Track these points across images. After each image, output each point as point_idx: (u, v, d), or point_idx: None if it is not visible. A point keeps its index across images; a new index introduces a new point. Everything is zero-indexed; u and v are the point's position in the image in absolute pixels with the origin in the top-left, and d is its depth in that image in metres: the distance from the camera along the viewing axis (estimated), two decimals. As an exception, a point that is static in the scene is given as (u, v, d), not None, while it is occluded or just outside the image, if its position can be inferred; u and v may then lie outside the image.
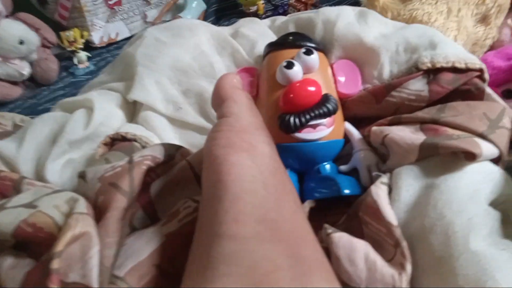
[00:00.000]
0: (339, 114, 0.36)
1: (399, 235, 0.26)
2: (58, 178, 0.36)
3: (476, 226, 0.24)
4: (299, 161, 0.34)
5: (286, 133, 0.32)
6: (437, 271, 0.24)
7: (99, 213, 0.27)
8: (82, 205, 0.25)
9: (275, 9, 0.71)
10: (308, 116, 0.31)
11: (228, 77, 0.28)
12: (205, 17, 0.72)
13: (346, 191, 0.31)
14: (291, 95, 0.31)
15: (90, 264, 0.23)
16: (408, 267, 0.24)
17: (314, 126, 0.32)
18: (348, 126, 0.36)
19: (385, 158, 0.33)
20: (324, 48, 0.38)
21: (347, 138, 0.36)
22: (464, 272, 0.22)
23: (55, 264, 0.23)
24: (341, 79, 0.37)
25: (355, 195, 0.32)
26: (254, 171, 0.21)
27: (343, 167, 0.35)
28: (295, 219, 0.21)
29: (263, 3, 0.69)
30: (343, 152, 0.36)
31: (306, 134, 0.32)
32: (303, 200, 0.34)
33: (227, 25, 0.51)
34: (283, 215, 0.20)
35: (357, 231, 0.30)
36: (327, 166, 0.34)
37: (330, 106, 0.32)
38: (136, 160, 0.28)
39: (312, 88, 0.32)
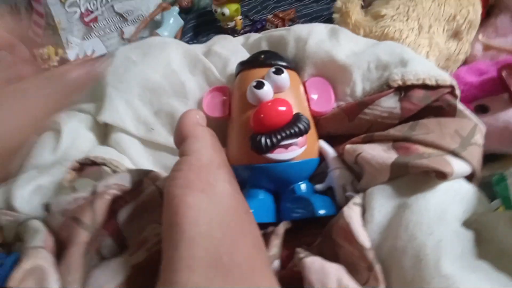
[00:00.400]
0: (312, 132, 0.35)
1: (372, 258, 0.25)
2: (27, 205, 0.35)
3: (447, 248, 0.24)
4: (273, 182, 0.34)
5: (258, 154, 0.32)
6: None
7: (63, 248, 0.26)
8: (40, 238, 0.24)
9: (253, 24, 0.71)
10: (279, 137, 0.31)
11: (191, 114, 0.27)
12: (182, 33, 0.72)
13: (321, 212, 0.31)
14: (262, 115, 0.31)
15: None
16: (382, 292, 0.24)
17: (286, 146, 0.32)
18: (323, 144, 0.35)
19: (360, 176, 0.33)
20: (295, 67, 0.37)
21: (322, 156, 0.36)
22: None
23: None
24: (314, 97, 0.36)
25: (330, 215, 0.31)
26: (210, 213, 0.21)
27: (318, 186, 0.35)
28: (250, 262, 0.21)
29: (240, 19, 0.68)
30: (319, 170, 0.36)
31: (278, 154, 0.32)
32: (280, 219, 0.33)
33: (205, 41, 0.50)
34: (237, 259, 0.20)
35: (332, 254, 0.29)
36: (302, 186, 0.34)
37: (301, 126, 0.31)
38: (99, 191, 0.27)
39: (282, 108, 0.31)
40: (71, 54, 0.70)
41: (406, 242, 0.25)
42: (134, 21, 0.74)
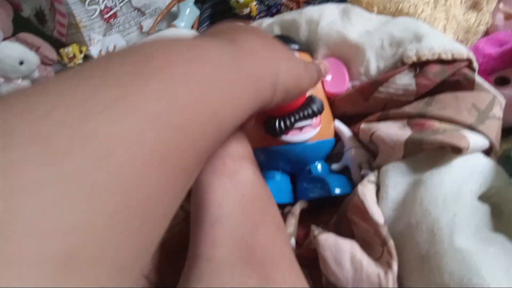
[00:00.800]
0: (327, 113, 0.35)
1: (385, 234, 0.25)
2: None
3: (461, 223, 0.24)
4: (290, 163, 0.34)
5: (273, 137, 0.32)
6: (423, 268, 0.23)
7: None
8: None
9: (268, 9, 0.70)
10: (293, 119, 0.31)
11: None
12: (199, 23, 0.73)
13: (337, 191, 0.31)
14: None
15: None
16: (395, 266, 0.24)
17: (300, 128, 0.32)
18: (338, 124, 0.35)
19: (375, 154, 0.33)
20: (308, 49, 0.37)
21: (338, 136, 0.36)
22: (450, 269, 0.22)
23: None
24: (328, 78, 0.36)
25: (346, 193, 0.31)
26: (234, 195, 0.23)
27: (334, 166, 0.35)
28: (271, 244, 0.22)
29: (255, 5, 0.68)
30: (335, 150, 0.36)
31: (293, 136, 0.32)
32: (296, 199, 0.34)
33: None
34: (258, 240, 0.22)
35: (347, 231, 0.29)
36: (319, 166, 0.34)
37: (314, 107, 0.31)
38: None
39: None
40: (94, 51, 0.72)
41: (420, 217, 0.25)
42: (151, 15, 0.75)
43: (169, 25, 0.71)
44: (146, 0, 0.74)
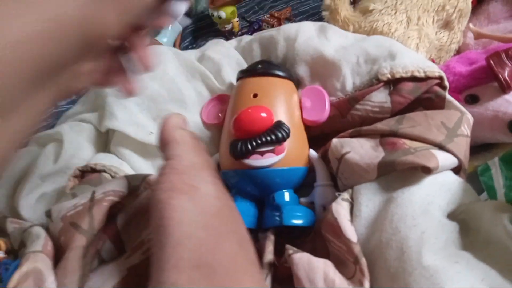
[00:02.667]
0: (299, 141, 0.35)
1: (358, 252, 0.26)
2: (32, 213, 0.37)
3: (429, 240, 0.24)
4: (255, 188, 0.34)
5: (235, 159, 0.32)
6: (393, 286, 0.24)
7: (62, 252, 0.27)
8: (39, 244, 0.26)
9: (250, 25, 0.71)
10: (254, 143, 0.31)
11: (172, 119, 0.28)
12: (182, 38, 0.73)
13: (293, 221, 0.31)
14: (240, 121, 0.32)
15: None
16: (366, 285, 0.25)
17: (262, 153, 0.32)
18: (313, 155, 0.35)
19: (333, 172, 0.33)
20: (290, 76, 0.38)
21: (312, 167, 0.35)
22: (418, 287, 0.22)
23: None
24: (307, 105, 0.36)
25: (303, 226, 0.31)
26: (194, 214, 0.22)
27: (302, 199, 0.35)
28: (233, 261, 0.22)
29: (237, 21, 0.69)
30: (308, 181, 0.36)
31: (253, 161, 0.32)
32: (263, 226, 0.33)
33: (204, 44, 0.52)
34: (220, 259, 0.21)
35: (323, 248, 0.30)
36: (286, 194, 0.34)
37: (278, 133, 0.31)
38: (97, 198, 0.29)
39: (263, 114, 0.32)
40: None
41: (390, 235, 0.26)
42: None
43: (151, 40, 0.71)
44: (128, 15, 0.74)
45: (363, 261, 0.25)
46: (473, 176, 0.33)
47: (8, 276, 0.28)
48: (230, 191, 0.36)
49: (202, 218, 0.22)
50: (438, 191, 0.27)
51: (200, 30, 0.74)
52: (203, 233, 0.21)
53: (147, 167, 0.40)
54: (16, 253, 0.34)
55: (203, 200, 0.23)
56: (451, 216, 0.27)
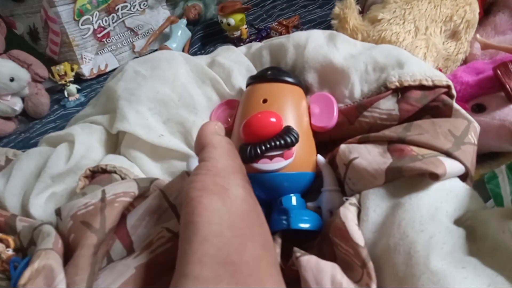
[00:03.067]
0: (308, 146, 0.35)
1: (365, 256, 0.26)
2: (42, 212, 0.37)
3: (437, 245, 0.24)
4: (263, 191, 0.34)
5: (244, 163, 0.33)
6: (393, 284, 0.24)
7: (71, 250, 0.27)
8: (49, 241, 0.26)
9: (258, 32, 0.72)
10: (263, 147, 0.32)
11: (210, 125, 0.29)
12: (190, 44, 0.74)
13: (300, 225, 0.31)
14: (250, 126, 0.32)
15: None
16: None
17: (270, 158, 0.32)
18: (321, 161, 0.35)
19: (341, 178, 0.34)
20: (300, 83, 0.38)
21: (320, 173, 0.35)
22: (423, 289, 0.23)
23: None
24: (315, 111, 0.37)
25: (310, 230, 0.31)
26: (223, 214, 0.23)
27: (309, 204, 0.35)
28: (257, 262, 0.23)
29: (246, 28, 0.70)
30: (315, 186, 0.36)
31: (261, 164, 0.32)
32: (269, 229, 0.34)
33: (213, 50, 0.52)
34: (245, 258, 0.22)
35: (330, 252, 0.30)
36: (293, 199, 0.34)
37: (288, 138, 0.32)
38: (108, 199, 0.29)
39: (272, 119, 0.32)
40: (85, 69, 0.73)
41: (398, 239, 0.26)
42: (144, 35, 0.77)
43: (161, 45, 0.72)
44: (139, 21, 0.75)
45: (370, 265, 0.26)
46: (479, 184, 0.33)
47: (17, 274, 0.29)
48: None
49: (229, 219, 0.23)
50: (445, 197, 0.28)
51: (208, 37, 0.76)
52: (229, 233, 0.22)
53: (156, 169, 0.40)
54: (25, 251, 0.34)
55: (232, 202, 0.24)
56: (458, 222, 0.27)
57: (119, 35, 0.75)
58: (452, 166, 0.29)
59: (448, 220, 0.27)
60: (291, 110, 0.35)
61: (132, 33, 0.76)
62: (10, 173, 0.41)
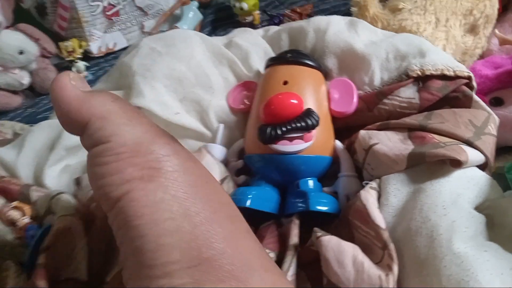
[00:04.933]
0: (327, 130, 0.35)
1: (386, 238, 0.26)
2: (56, 183, 0.37)
3: (459, 229, 0.25)
4: (280, 174, 0.34)
5: (263, 143, 0.33)
6: (422, 272, 0.24)
7: (91, 219, 0.28)
8: (70, 209, 0.26)
9: (271, 19, 0.72)
10: (284, 129, 0.32)
11: (66, 84, 0.19)
12: (201, 27, 0.74)
13: (317, 207, 0.31)
14: (270, 106, 0.32)
15: (78, 258, 0.24)
16: (395, 268, 0.25)
17: (290, 139, 0.32)
18: (339, 146, 0.36)
19: (359, 165, 0.34)
20: (320, 67, 0.38)
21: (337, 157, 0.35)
22: (448, 273, 0.23)
23: (41, 259, 0.24)
24: (335, 96, 0.37)
25: (328, 212, 0.31)
26: (168, 203, 0.17)
27: (325, 189, 0.35)
28: (234, 244, 0.18)
29: (258, 13, 0.70)
30: (331, 171, 0.36)
31: (281, 146, 0.32)
32: (284, 214, 0.34)
33: (223, 34, 0.52)
34: (220, 247, 0.17)
35: (348, 235, 0.30)
36: (310, 182, 0.34)
37: (308, 121, 0.32)
38: None
39: (293, 101, 0.32)
40: (93, 47, 0.72)
41: (420, 223, 0.26)
42: (154, 15, 0.76)
43: (171, 26, 0.72)
44: (149, 1, 0.74)
45: (392, 246, 0.26)
46: (495, 176, 0.34)
47: (35, 241, 0.29)
48: (254, 176, 0.36)
49: (180, 206, 0.18)
50: (467, 184, 0.28)
51: (220, 21, 0.75)
52: (187, 224, 0.17)
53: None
54: (41, 220, 0.34)
55: (172, 181, 0.18)
56: (478, 209, 0.28)
57: (128, 14, 0.74)
58: (473, 155, 0.29)
59: (470, 206, 0.27)
60: (312, 93, 0.35)
61: (141, 12, 0.75)
62: (22, 144, 0.41)
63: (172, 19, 0.75)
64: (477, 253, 0.23)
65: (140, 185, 0.17)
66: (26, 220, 0.33)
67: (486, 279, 0.22)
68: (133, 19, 0.75)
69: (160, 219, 0.17)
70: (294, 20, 0.66)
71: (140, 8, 0.74)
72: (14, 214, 0.33)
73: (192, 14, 0.72)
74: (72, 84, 0.19)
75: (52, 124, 0.43)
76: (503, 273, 0.23)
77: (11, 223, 0.33)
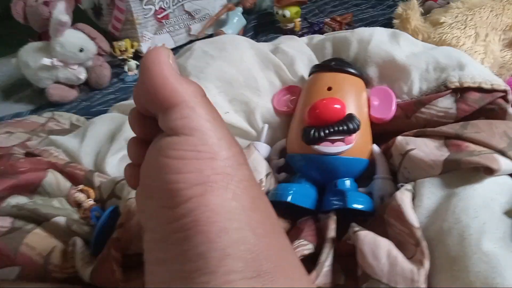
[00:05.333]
0: (366, 135, 0.38)
1: (419, 236, 0.29)
2: (116, 170, 0.41)
3: (489, 230, 0.27)
4: (321, 173, 0.37)
5: (307, 144, 0.35)
6: (452, 268, 0.26)
7: None
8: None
9: (311, 26, 0.75)
10: (327, 131, 0.34)
11: (163, 58, 0.19)
12: (244, 31, 0.77)
13: (354, 205, 0.34)
14: (315, 110, 0.35)
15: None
16: (427, 264, 0.27)
17: (332, 141, 0.35)
18: (376, 150, 0.38)
19: (394, 169, 0.36)
20: (361, 75, 0.41)
21: (373, 161, 0.38)
22: (476, 269, 0.25)
23: (116, 234, 0.28)
24: (375, 103, 0.39)
25: (364, 210, 0.34)
26: (240, 212, 0.17)
27: (361, 189, 0.37)
28: (286, 259, 0.18)
29: (299, 21, 0.73)
30: (367, 173, 0.38)
31: (323, 147, 0.35)
32: (321, 210, 0.36)
33: (265, 40, 0.55)
34: (277, 262, 0.17)
35: (382, 233, 0.32)
36: (347, 182, 0.37)
37: (350, 125, 0.35)
38: None
39: (337, 106, 0.35)
40: (144, 47, 0.77)
41: (452, 224, 0.28)
42: (201, 19, 0.81)
43: (216, 30, 0.76)
44: (197, 6, 0.79)
45: (424, 244, 0.28)
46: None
47: (102, 222, 0.33)
48: (294, 174, 0.39)
49: (246, 216, 0.18)
50: (499, 190, 0.30)
51: (262, 26, 0.78)
52: (252, 235, 0.17)
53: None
54: (104, 203, 0.38)
55: (242, 190, 0.18)
56: (508, 214, 0.29)
57: (177, 17, 0.79)
58: (505, 164, 0.31)
59: (500, 210, 0.29)
60: (353, 99, 0.38)
61: (189, 16, 0.80)
62: (85, 135, 0.45)
63: (217, 24, 0.79)
64: (505, 253, 0.25)
65: (216, 191, 0.17)
66: (90, 202, 0.38)
67: (512, 276, 0.24)
68: (181, 22, 0.79)
69: (230, 228, 0.17)
70: (334, 28, 0.68)
71: (188, 12, 0.79)
72: (80, 196, 0.38)
73: (237, 19, 0.76)
74: (170, 63, 0.19)
75: (112, 117, 0.47)
76: (529, 272, 0.24)
77: (77, 204, 0.38)
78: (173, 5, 0.77)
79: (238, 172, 0.18)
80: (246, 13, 0.80)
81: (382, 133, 0.40)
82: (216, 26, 0.78)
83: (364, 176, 0.38)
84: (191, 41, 0.70)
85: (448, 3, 0.48)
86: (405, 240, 0.30)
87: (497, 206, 0.29)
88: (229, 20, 0.76)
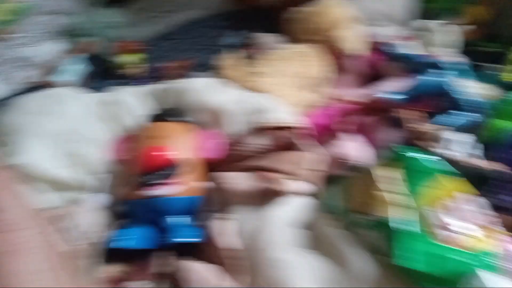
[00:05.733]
0: (197, 174, 0.43)
1: (238, 256, 0.36)
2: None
3: (278, 241, 0.35)
4: (153, 214, 0.40)
5: (136, 190, 0.40)
6: (255, 275, 0.34)
7: None
8: None
9: (150, 71, 0.77)
10: (153, 176, 0.39)
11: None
12: (81, 79, 0.75)
13: (177, 239, 0.38)
14: (143, 158, 0.40)
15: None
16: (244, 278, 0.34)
17: (160, 184, 0.40)
18: (208, 186, 0.43)
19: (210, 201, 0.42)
20: (193, 121, 0.47)
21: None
22: (267, 274, 0.33)
23: None
24: (203, 145, 0.45)
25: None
26: None
27: (193, 223, 0.41)
28: None
29: (139, 67, 0.75)
30: (200, 207, 0.43)
31: (152, 191, 0.39)
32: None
33: (101, 87, 0.58)
34: None
35: (210, 260, 0.38)
36: (178, 219, 0.40)
37: (174, 170, 0.40)
38: None
39: (163, 153, 0.40)
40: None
41: (252, 240, 0.37)
42: (34, 67, 0.76)
43: (47, 80, 0.71)
44: (30, 52, 0.74)
45: (244, 262, 0.36)
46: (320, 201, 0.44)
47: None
48: (133, 218, 0.41)
49: None
50: (290, 207, 0.41)
51: (99, 73, 0.77)
52: None
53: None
54: None
55: None
56: (298, 227, 0.39)
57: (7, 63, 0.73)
58: (295, 186, 0.41)
59: (291, 224, 0.39)
60: (182, 145, 0.43)
61: (21, 63, 0.74)
62: None
63: (51, 71, 0.75)
64: (292, 259, 0.34)
65: None
66: None
67: (298, 277, 0.33)
68: (12, 69, 0.73)
69: None
70: (172, 73, 0.73)
71: (20, 59, 0.73)
72: None
73: (73, 67, 0.74)
74: None
75: None
76: (312, 274, 0.33)
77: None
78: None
79: None
80: (83, 59, 0.78)
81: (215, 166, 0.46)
82: (50, 75, 0.75)
83: (199, 210, 0.43)
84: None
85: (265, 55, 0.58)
86: (229, 263, 0.36)
87: (286, 221, 0.38)
88: (64, 68, 0.73)
